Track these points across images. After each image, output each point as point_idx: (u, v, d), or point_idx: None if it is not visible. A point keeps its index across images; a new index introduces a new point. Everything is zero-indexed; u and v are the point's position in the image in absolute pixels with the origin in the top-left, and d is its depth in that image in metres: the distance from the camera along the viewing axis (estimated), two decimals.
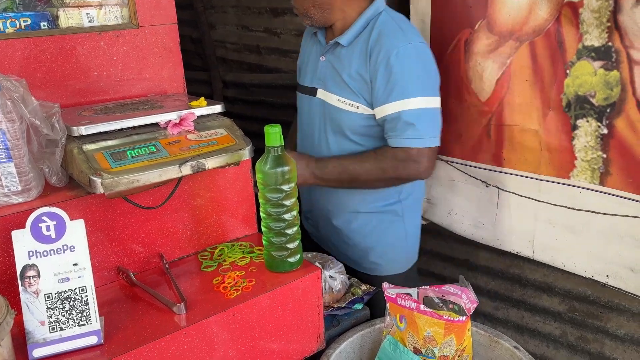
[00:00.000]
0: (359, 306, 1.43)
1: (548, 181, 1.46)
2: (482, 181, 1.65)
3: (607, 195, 1.33)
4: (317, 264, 1.46)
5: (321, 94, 1.61)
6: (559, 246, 1.52)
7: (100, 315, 1.06)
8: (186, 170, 1.11)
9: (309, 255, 1.55)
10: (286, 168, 1.14)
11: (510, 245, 1.66)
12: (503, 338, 1.29)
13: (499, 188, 1.61)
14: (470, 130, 1.60)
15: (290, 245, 1.18)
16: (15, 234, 0.95)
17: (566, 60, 1.31)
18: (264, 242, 1.20)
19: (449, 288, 1.33)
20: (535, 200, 1.52)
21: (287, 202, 1.15)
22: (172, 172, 1.10)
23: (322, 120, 1.62)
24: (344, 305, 1.42)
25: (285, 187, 1.13)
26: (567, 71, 1.31)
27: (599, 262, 1.44)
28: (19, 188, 1.07)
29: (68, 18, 1.34)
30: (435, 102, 1.48)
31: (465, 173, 1.70)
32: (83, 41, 1.32)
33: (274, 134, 1.12)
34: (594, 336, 1.76)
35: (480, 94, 1.53)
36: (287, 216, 1.15)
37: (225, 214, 1.34)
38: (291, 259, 1.19)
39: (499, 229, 1.66)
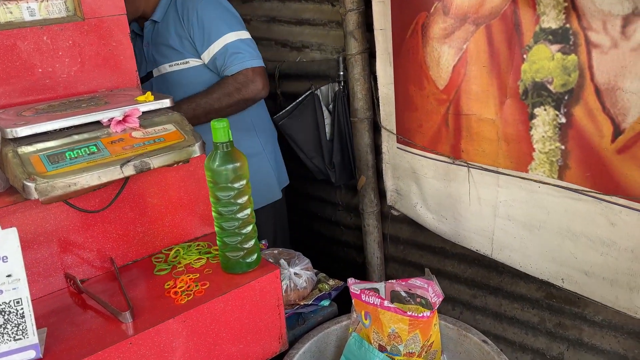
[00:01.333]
0: (325, 303, 1.39)
1: (506, 174, 1.41)
2: (443, 173, 1.59)
3: (565, 190, 1.28)
4: (282, 260, 1.41)
5: (156, 72, 1.90)
6: (516, 245, 1.47)
7: (44, 326, 1.01)
8: (129, 170, 1.05)
9: (275, 251, 1.50)
10: (237, 164, 1.08)
11: (470, 242, 1.61)
12: (472, 332, 1.26)
13: (459, 179, 1.55)
14: (429, 120, 1.54)
15: (246, 245, 1.13)
16: None
17: (523, 44, 1.24)
18: (218, 242, 1.14)
19: (415, 282, 1.30)
20: (494, 194, 1.46)
21: (239, 200, 1.09)
22: (113, 174, 1.04)
23: (166, 92, 1.80)
24: (310, 302, 1.37)
25: (236, 185, 1.08)
26: (524, 56, 1.25)
27: (553, 264, 1.39)
28: None
29: (6, 12, 1.26)
30: (246, 34, 1.83)
31: (425, 166, 1.65)
32: (24, 36, 1.25)
33: (221, 129, 1.06)
34: (572, 322, 1.73)
35: (437, 82, 1.46)
36: (240, 215, 1.10)
37: (181, 214, 1.28)
38: (247, 259, 1.14)
39: (460, 224, 1.61)
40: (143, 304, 1.07)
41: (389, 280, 1.32)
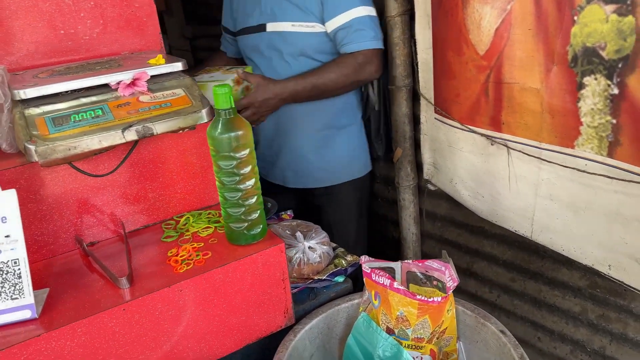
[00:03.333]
0: (340, 279, 1.34)
1: (550, 150, 1.27)
2: (486, 139, 1.47)
3: (615, 169, 1.13)
4: (298, 233, 1.37)
5: (272, 26, 1.77)
6: (558, 227, 1.34)
7: (47, 286, 1.03)
8: (131, 135, 1.04)
9: (294, 223, 1.46)
10: (239, 132, 1.03)
11: (508, 222, 1.49)
12: (490, 320, 1.17)
13: (496, 148, 1.43)
14: (468, 89, 1.41)
15: (249, 217, 1.09)
16: None
17: (574, 4, 1.10)
18: (222, 213, 1.12)
19: (432, 263, 1.22)
20: (536, 172, 1.33)
21: (241, 171, 1.05)
22: (114, 138, 1.02)
23: (277, 52, 1.78)
24: (324, 277, 1.33)
25: (237, 154, 1.03)
26: (575, 18, 1.10)
27: (600, 249, 1.25)
28: None
29: None
30: (374, 11, 1.73)
31: (461, 139, 1.53)
32: None
33: (223, 95, 1.02)
34: (617, 315, 1.59)
35: (478, 46, 1.33)
36: (242, 186, 1.06)
37: (194, 181, 1.26)
38: (252, 231, 1.10)
39: (497, 202, 1.49)
40: (144, 270, 1.07)
41: (405, 261, 1.24)
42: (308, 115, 1.85)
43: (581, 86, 1.14)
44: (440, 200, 2.00)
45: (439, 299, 1.10)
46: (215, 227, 1.19)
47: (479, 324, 1.18)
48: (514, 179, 1.43)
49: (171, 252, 1.11)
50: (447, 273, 1.18)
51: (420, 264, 1.23)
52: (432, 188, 1.84)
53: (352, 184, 1.97)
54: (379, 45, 1.72)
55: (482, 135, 1.45)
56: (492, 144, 1.42)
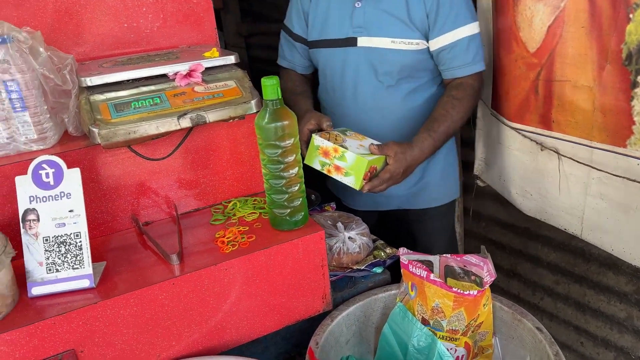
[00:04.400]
0: (378, 270, 1.37)
1: (601, 149, 1.25)
2: (535, 144, 1.46)
3: None
4: (339, 223, 1.41)
5: (365, 41, 1.51)
6: (608, 227, 1.32)
7: (104, 260, 1.12)
8: (185, 123, 1.11)
9: (335, 214, 1.50)
10: (285, 122, 1.08)
11: (557, 220, 1.47)
12: (527, 317, 1.17)
13: (547, 153, 1.42)
14: (517, 86, 1.41)
15: (292, 204, 1.14)
16: (19, 180, 1.01)
17: (630, 2, 1.08)
18: (267, 199, 1.17)
19: (470, 258, 1.23)
20: (586, 171, 1.31)
21: (285, 159, 1.10)
22: (170, 125, 1.10)
23: (370, 70, 1.54)
24: (362, 267, 1.36)
25: (282, 143, 1.09)
26: (630, 15, 1.09)
27: None
28: (35, 136, 1.13)
29: None
30: (478, 27, 1.50)
31: (510, 137, 1.52)
32: None
33: (271, 87, 1.07)
34: None
35: (528, 44, 1.33)
36: (285, 174, 1.11)
37: (242, 168, 1.32)
38: (293, 218, 1.15)
39: (546, 201, 1.47)
40: (193, 249, 1.14)
41: (444, 255, 1.26)
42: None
43: (635, 84, 1.13)
44: (485, 200, 1.99)
45: (475, 292, 1.11)
46: (260, 212, 1.25)
47: (515, 320, 1.19)
48: (564, 178, 1.42)
49: (218, 234, 1.17)
50: (485, 268, 1.19)
51: (458, 259, 1.25)
52: (480, 184, 1.84)
53: (447, 206, 1.76)
54: (483, 66, 1.52)
55: (532, 140, 1.44)
56: (542, 150, 1.42)
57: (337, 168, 1.30)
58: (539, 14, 1.28)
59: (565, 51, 1.25)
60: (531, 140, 1.46)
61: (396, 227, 1.80)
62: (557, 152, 1.39)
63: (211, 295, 1.09)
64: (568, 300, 1.82)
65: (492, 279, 1.15)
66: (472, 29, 1.46)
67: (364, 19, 1.50)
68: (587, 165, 1.30)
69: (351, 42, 1.53)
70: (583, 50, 1.21)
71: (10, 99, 1.08)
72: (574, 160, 1.33)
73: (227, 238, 1.15)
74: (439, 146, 1.48)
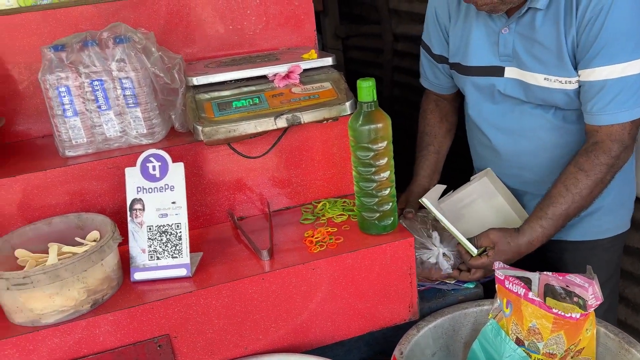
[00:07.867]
0: (470, 285, 1.32)
1: None
2: None
3: None
4: (435, 233, 1.36)
5: (513, 72, 1.32)
6: None
7: (200, 251, 1.17)
8: (281, 123, 1.13)
9: (431, 215, 1.45)
10: (379, 125, 1.07)
11: None
12: (636, 347, 1.07)
13: None
14: None
15: (381, 208, 1.13)
16: (128, 171, 1.09)
17: None
18: (356, 202, 1.16)
19: (574, 278, 1.15)
20: None
21: (377, 162, 1.09)
22: (267, 124, 1.13)
23: (516, 100, 1.36)
24: (453, 282, 1.31)
25: (374, 146, 1.07)
26: None
27: None
28: (145, 131, 1.21)
29: None
30: None
31: None
32: None
33: (366, 89, 1.06)
34: None
35: None
36: (376, 177, 1.10)
37: (333, 170, 1.33)
38: (382, 222, 1.14)
39: None
40: (282, 246, 1.16)
41: (545, 272, 1.18)
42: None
43: None
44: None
45: (578, 315, 1.03)
46: (349, 215, 1.25)
47: (622, 350, 1.09)
48: None
49: (307, 234, 1.18)
50: (590, 290, 1.10)
51: (560, 278, 1.16)
52: None
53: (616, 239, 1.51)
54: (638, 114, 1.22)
55: None
56: None
57: None
58: None
59: None
60: None
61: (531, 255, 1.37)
62: None
63: (298, 293, 1.10)
64: None
65: (598, 302, 1.06)
66: (626, 68, 1.18)
67: (512, 47, 1.30)
68: None
69: (497, 71, 1.35)
70: None
71: (124, 95, 1.17)
72: None
73: (316, 238, 1.16)
74: (554, 233, 1.28)
